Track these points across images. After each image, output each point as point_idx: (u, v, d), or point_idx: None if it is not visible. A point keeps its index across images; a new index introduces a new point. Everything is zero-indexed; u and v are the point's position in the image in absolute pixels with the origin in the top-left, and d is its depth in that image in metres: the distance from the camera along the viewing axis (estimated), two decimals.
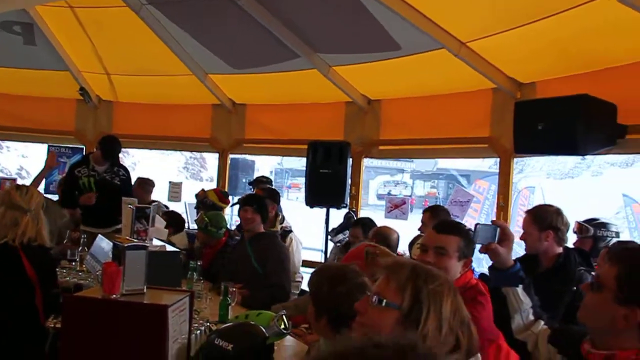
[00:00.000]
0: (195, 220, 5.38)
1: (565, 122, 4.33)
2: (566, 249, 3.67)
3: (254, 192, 6.19)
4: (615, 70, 4.57)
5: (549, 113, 4.48)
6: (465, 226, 3.04)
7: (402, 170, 39.37)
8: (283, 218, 5.52)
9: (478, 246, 2.26)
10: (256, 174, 9.72)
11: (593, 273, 3.30)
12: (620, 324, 1.58)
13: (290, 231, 5.41)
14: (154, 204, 5.46)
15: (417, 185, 38.68)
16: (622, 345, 1.58)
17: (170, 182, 8.44)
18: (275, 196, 5.59)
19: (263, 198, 4.90)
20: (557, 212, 3.69)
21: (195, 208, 6.35)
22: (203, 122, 7.67)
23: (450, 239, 2.59)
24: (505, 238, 2.08)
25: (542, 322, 2.06)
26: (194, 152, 32.99)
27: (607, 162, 41.36)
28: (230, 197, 6.44)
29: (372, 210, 17.55)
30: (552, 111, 4.46)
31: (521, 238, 3.71)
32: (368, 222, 5.05)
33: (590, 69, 4.71)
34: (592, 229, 4.45)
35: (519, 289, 2.06)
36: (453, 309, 1.65)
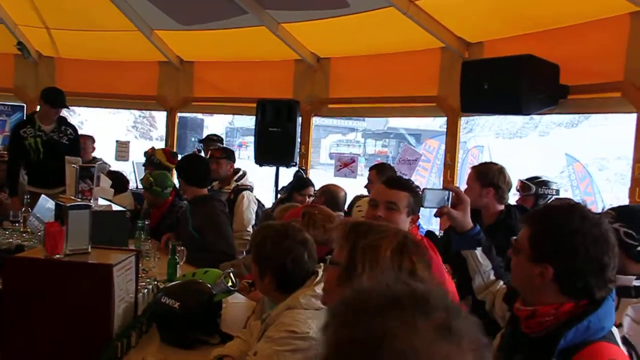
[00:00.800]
0: (141, 180, 5.28)
1: (510, 82, 4.41)
2: (507, 206, 3.78)
3: (207, 151, 6.12)
4: (558, 32, 4.66)
5: (494, 73, 4.55)
6: (414, 183, 3.10)
7: (353, 129, 39.52)
8: (243, 175, 5.45)
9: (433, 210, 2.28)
10: (206, 133, 9.61)
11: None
12: (537, 281, 1.64)
13: (245, 189, 5.34)
14: (98, 162, 5.35)
15: (368, 144, 38.92)
16: (545, 301, 1.64)
17: (117, 141, 8.26)
18: (231, 155, 5.55)
19: (184, 163, 4.76)
20: (500, 171, 3.78)
21: (143, 166, 6.24)
22: (150, 79, 7.49)
23: (401, 195, 2.63)
24: (460, 202, 2.10)
25: (502, 282, 2.11)
26: (143, 111, 32.26)
27: (554, 123, 42.39)
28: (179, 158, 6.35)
29: (324, 169, 17.63)
30: (497, 71, 4.53)
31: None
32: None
33: (535, 29, 4.78)
34: (534, 186, 4.60)
35: (478, 252, 2.10)
36: (396, 261, 1.64)
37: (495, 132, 43.78)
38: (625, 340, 1.76)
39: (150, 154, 5.93)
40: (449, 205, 2.10)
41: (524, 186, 4.63)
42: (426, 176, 11.27)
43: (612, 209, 2.93)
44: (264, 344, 2.12)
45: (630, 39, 4.17)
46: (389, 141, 37.38)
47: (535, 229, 1.68)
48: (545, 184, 4.61)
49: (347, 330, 0.81)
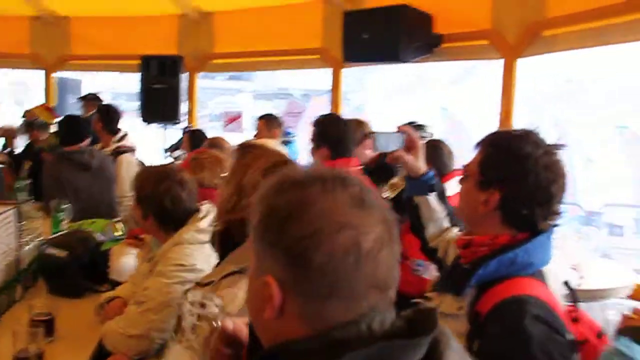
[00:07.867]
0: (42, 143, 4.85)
1: (387, 31, 4.58)
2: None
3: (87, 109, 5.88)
4: None
5: (372, 22, 4.70)
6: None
7: (241, 91, 39.16)
8: (123, 137, 5.23)
9: None
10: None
11: None
12: (481, 209, 1.59)
13: (125, 152, 5.12)
14: None
15: (258, 105, 38.80)
16: (485, 232, 1.60)
17: None
18: (105, 114, 5.26)
19: (62, 122, 4.54)
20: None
21: (23, 130, 5.87)
22: (21, 35, 7.01)
23: None
24: (412, 146, 1.92)
25: (456, 229, 1.98)
26: (14, 76, 30.05)
27: (436, 79, 44.02)
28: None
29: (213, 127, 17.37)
30: (375, 21, 4.69)
31: None
32: (198, 134, 4.97)
33: None
34: None
35: (431, 197, 1.95)
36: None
37: (385, 89, 44.92)
38: (568, 286, 1.67)
39: (33, 117, 5.62)
40: (402, 149, 1.92)
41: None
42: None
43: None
44: (154, 279, 2.17)
45: None
46: (279, 102, 37.42)
47: (487, 152, 1.62)
48: (420, 127, 4.86)
49: (275, 197, 0.89)
